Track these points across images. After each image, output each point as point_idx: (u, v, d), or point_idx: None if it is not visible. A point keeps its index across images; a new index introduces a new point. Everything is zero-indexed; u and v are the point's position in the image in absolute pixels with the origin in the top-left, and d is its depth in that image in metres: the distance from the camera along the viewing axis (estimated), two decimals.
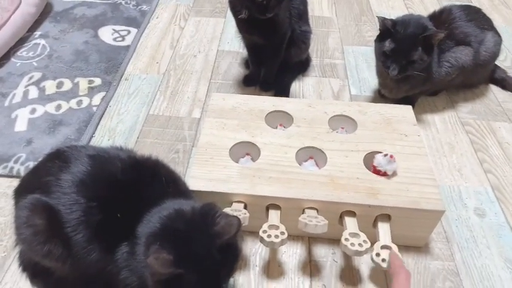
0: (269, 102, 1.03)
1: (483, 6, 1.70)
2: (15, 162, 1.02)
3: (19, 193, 0.72)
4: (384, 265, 0.74)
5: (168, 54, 1.43)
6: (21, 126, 1.11)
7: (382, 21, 1.02)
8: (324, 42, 1.50)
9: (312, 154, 0.94)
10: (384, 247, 0.76)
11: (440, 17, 1.13)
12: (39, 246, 0.64)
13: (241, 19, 1.09)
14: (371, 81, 1.31)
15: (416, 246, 0.87)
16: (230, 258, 0.63)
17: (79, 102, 1.20)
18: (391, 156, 0.84)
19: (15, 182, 0.77)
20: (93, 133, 1.12)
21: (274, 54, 1.21)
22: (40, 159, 0.77)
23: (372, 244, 0.76)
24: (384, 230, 0.80)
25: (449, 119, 1.20)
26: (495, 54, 1.19)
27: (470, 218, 0.94)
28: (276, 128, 1.00)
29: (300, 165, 0.90)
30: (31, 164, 0.99)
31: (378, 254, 0.75)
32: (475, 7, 1.19)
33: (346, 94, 1.28)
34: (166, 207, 0.65)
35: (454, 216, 0.94)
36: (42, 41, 1.43)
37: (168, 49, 1.45)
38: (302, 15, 1.21)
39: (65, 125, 1.12)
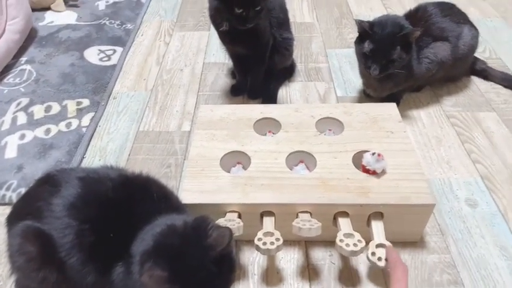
0: (257, 110, 1.05)
1: (460, 1, 1.73)
2: (7, 189, 1.01)
3: (11, 220, 0.72)
4: (380, 264, 0.74)
5: (154, 70, 1.44)
6: (11, 152, 1.11)
7: (360, 23, 1.04)
8: (307, 47, 1.52)
9: (301, 158, 0.95)
10: (379, 245, 0.77)
11: (416, 15, 1.15)
12: (34, 273, 0.64)
13: (223, 31, 1.10)
14: (355, 81, 1.33)
15: (412, 242, 0.88)
16: (226, 269, 0.63)
17: (68, 125, 1.20)
18: (379, 155, 0.85)
19: (8, 210, 0.77)
20: (84, 154, 1.13)
21: (259, 63, 1.22)
22: (31, 185, 0.77)
23: (367, 243, 0.77)
24: (377, 229, 0.81)
25: (434, 113, 1.21)
26: (473, 47, 1.21)
27: (462, 209, 0.95)
28: (265, 135, 1.01)
29: (290, 169, 0.91)
30: (23, 191, 0.99)
31: (373, 253, 0.76)
32: (448, 3, 1.22)
33: (332, 96, 1.29)
34: (158, 223, 0.65)
35: (446, 209, 0.95)
36: (28, 67, 1.44)
37: (155, 65, 1.46)
38: (283, 23, 1.23)
39: (55, 149, 1.12)
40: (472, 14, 1.41)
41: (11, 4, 1.47)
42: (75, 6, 1.80)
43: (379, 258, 0.75)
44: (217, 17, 1.09)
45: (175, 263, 0.59)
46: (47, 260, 0.64)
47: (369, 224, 0.83)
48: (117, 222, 0.66)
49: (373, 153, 0.86)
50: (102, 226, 0.65)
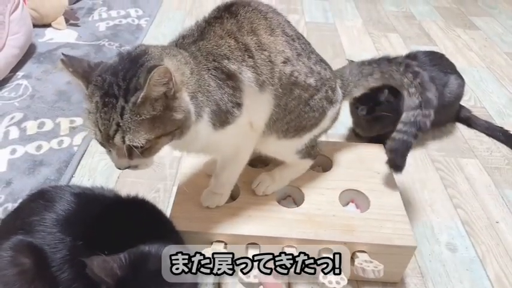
0: None
1: (448, 49, 1.82)
2: None
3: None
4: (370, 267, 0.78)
5: None
6: (0, 167, 1.11)
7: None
8: None
9: (290, 192, 0.97)
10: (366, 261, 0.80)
11: None
12: (25, 286, 0.63)
13: None
14: (346, 120, 1.36)
15: (393, 282, 0.90)
16: None
17: (60, 142, 1.21)
18: None
19: None
20: (73, 173, 1.13)
21: None
22: (21, 201, 0.77)
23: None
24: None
25: (419, 156, 1.25)
26: (459, 96, 1.27)
27: (442, 252, 0.97)
28: (256, 166, 1.03)
29: (279, 203, 0.92)
30: (10, 206, 0.98)
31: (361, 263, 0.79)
32: (438, 53, 1.29)
33: None
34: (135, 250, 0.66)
35: (427, 251, 0.97)
36: (25, 82, 1.45)
37: None
38: None
39: (45, 166, 1.12)
40: (460, 63, 1.48)
41: (14, 20, 1.50)
42: (76, 25, 1.84)
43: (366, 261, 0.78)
44: None
45: None
46: (38, 274, 0.64)
47: (352, 262, 0.84)
48: (110, 241, 0.66)
49: None
50: (95, 243, 0.65)
